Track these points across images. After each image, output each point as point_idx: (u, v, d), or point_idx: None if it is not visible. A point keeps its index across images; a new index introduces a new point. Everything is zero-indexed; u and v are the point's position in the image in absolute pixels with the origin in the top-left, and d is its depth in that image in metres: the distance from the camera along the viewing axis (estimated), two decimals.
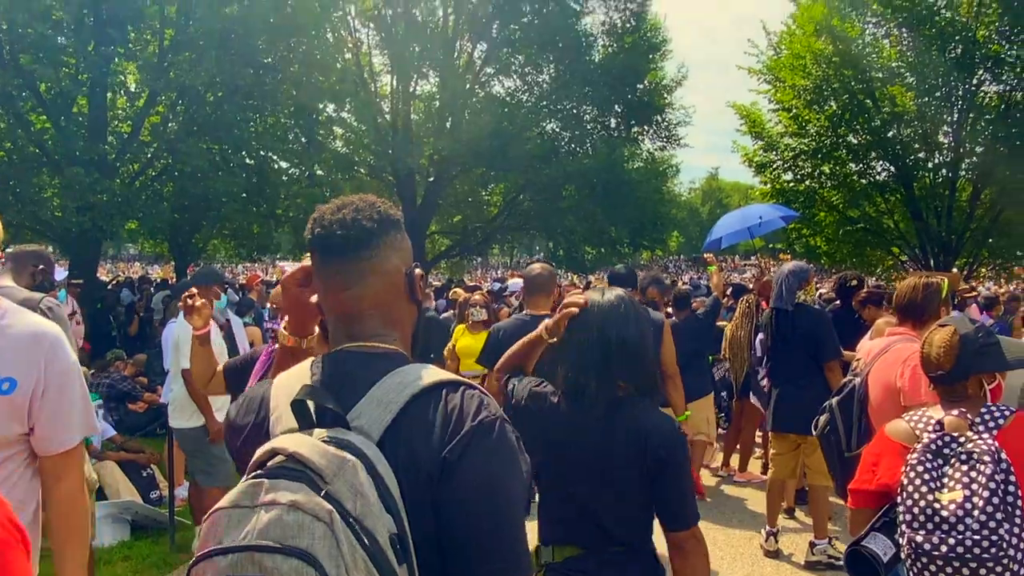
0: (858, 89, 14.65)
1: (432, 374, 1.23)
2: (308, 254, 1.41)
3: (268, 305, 2.83)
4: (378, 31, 20.30)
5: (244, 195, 13.44)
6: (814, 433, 3.31)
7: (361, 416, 1.16)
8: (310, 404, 1.14)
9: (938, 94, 14.22)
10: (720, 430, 7.97)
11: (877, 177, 16.07)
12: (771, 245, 20.30)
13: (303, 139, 16.17)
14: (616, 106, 21.71)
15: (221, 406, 4.67)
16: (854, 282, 6.53)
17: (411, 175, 19.71)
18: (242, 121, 12.76)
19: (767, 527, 5.26)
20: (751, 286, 7.85)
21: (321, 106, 15.92)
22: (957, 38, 13.43)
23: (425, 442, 1.15)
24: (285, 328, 1.64)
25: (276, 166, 14.90)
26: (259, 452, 1.10)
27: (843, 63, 14.40)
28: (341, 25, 19.13)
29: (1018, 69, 13.51)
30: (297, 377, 1.29)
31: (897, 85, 14.36)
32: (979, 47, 13.29)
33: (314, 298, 1.43)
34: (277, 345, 2.78)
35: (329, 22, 15.90)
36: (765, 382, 5.63)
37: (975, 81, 14.03)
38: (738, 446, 7.16)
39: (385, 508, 1.05)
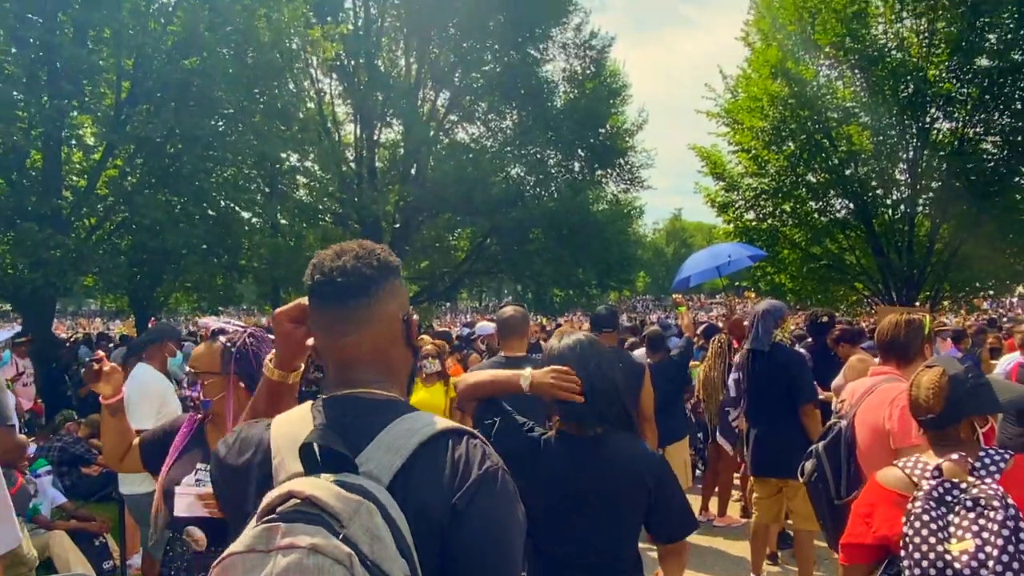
0: (815, 129, 14.96)
1: (438, 422, 1.24)
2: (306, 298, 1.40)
3: (187, 369, 2.52)
4: (341, 81, 20.37)
5: (205, 246, 13.16)
6: (801, 480, 3.17)
7: (369, 461, 1.16)
8: (316, 448, 1.12)
9: (893, 132, 14.57)
10: (697, 471, 7.83)
11: (837, 214, 16.35)
12: (736, 283, 20.47)
13: (266, 188, 15.94)
14: (579, 150, 22.00)
15: None
16: (825, 318, 6.53)
17: (377, 222, 19.60)
18: (202, 172, 12.54)
19: (752, 574, 5.10)
20: (721, 325, 7.79)
21: (284, 155, 15.78)
22: (908, 78, 13.81)
23: (434, 489, 1.16)
24: (270, 362, 1.59)
25: (238, 216, 14.65)
26: (271, 496, 1.08)
27: (799, 104, 14.72)
28: (303, 75, 19.13)
29: (969, 107, 13.90)
30: (297, 421, 1.28)
31: (853, 124, 14.69)
32: (930, 86, 13.66)
33: (310, 341, 1.45)
34: (200, 415, 2.55)
35: (291, 73, 15.84)
36: (736, 422, 5.52)
37: (928, 119, 14.40)
38: (716, 489, 7.01)
39: (399, 551, 1.06)
